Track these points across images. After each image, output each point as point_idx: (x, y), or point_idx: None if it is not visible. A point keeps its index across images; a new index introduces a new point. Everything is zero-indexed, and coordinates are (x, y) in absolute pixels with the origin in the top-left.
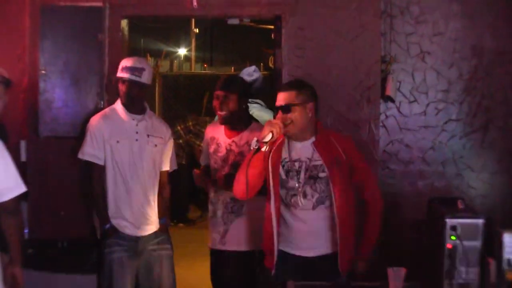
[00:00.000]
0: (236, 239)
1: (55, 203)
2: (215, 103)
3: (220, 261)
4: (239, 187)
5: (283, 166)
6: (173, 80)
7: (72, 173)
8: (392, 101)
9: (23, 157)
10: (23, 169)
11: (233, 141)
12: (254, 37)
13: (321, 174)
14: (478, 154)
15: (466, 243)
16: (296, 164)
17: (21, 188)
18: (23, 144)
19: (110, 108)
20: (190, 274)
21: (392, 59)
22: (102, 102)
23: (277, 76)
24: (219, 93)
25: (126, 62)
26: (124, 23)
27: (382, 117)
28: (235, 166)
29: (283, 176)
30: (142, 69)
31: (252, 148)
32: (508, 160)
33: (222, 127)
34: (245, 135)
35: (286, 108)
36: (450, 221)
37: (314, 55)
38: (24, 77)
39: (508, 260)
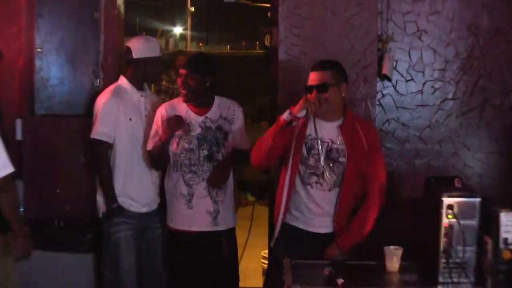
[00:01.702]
0: (226, 217)
1: (51, 182)
2: (178, 81)
3: (211, 242)
4: (259, 154)
5: (306, 143)
6: (169, 58)
7: (68, 151)
8: (389, 79)
9: (19, 136)
10: (19, 148)
11: (206, 117)
12: (250, 15)
13: (341, 159)
14: (475, 133)
15: (462, 222)
16: (319, 142)
17: (8, 169)
18: (18, 123)
19: (116, 86)
20: None
21: (388, 37)
22: (97, 80)
23: (273, 55)
24: (182, 71)
25: (155, 42)
26: (120, 1)
27: (379, 95)
28: (214, 143)
29: (305, 153)
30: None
31: (283, 119)
32: (505, 140)
33: (184, 107)
34: (215, 109)
35: (323, 87)
36: (447, 200)
37: (311, 33)
38: (20, 56)
39: (505, 239)
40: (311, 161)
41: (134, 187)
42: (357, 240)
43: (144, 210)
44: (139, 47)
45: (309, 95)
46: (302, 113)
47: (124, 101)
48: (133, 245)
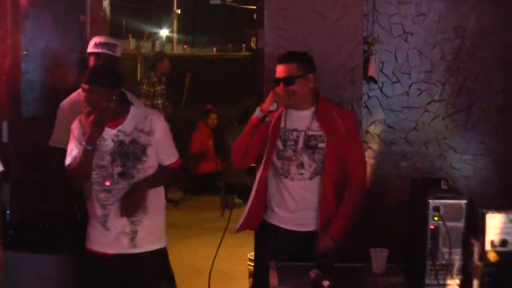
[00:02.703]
0: (147, 238)
1: (37, 184)
2: (82, 97)
3: (132, 265)
4: (238, 155)
5: (280, 137)
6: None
7: (54, 153)
8: (375, 82)
9: (5, 138)
10: (5, 151)
11: (119, 130)
12: (236, 17)
13: (320, 145)
14: (461, 135)
15: (449, 224)
16: (294, 133)
17: None
18: (5, 125)
19: (78, 92)
20: (170, 255)
21: (374, 40)
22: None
23: (259, 57)
24: (84, 86)
25: (99, 39)
26: (106, 3)
27: (365, 98)
28: (129, 158)
29: (281, 147)
30: (116, 45)
31: (255, 117)
32: (491, 142)
33: None
34: (130, 120)
35: (289, 80)
36: (433, 202)
37: (297, 36)
38: (6, 58)
39: (491, 241)
40: (289, 153)
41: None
42: (346, 224)
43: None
44: (97, 43)
45: (276, 88)
46: (273, 107)
47: (81, 106)
48: None
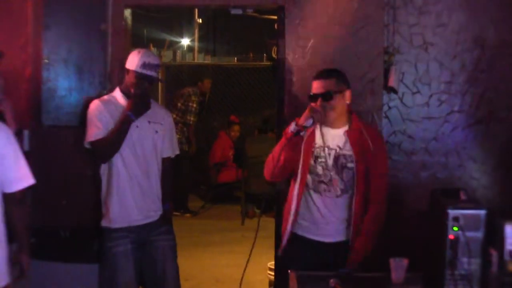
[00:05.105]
0: None
1: (58, 192)
2: None
3: None
4: (272, 169)
5: (313, 152)
6: (176, 70)
7: (75, 162)
8: (395, 92)
9: (26, 147)
10: (26, 159)
11: None
12: (257, 27)
13: (349, 165)
14: (481, 145)
15: (468, 234)
16: (326, 150)
17: (30, 180)
18: (26, 134)
19: (109, 96)
20: (191, 264)
21: (395, 50)
22: (105, 91)
23: (279, 67)
24: None
25: (148, 59)
26: (127, 12)
27: (385, 108)
28: None
29: (312, 162)
30: (159, 66)
31: (290, 132)
32: (510, 152)
33: None
34: None
35: (328, 95)
36: (452, 212)
37: (317, 46)
38: (27, 67)
39: (510, 251)
40: (319, 169)
41: (128, 197)
42: (371, 241)
43: (141, 221)
44: (129, 58)
45: (313, 104)
46: (308, 122)
47: (112, 109)
48: (132, 260)
